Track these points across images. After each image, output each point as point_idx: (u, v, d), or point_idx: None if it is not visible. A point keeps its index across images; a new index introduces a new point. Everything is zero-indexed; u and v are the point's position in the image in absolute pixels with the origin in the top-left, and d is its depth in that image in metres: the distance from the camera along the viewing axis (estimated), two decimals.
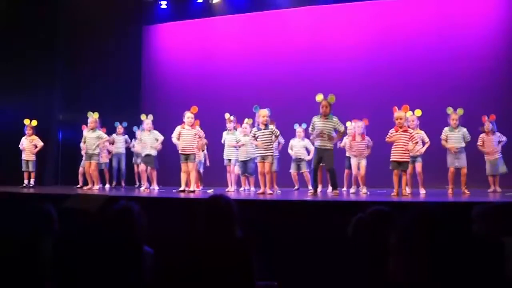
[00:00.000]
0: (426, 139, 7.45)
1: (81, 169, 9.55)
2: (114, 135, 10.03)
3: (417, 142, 6.87)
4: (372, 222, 2.79)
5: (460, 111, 7.32)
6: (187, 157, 7.73)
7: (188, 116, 7.74)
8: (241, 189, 8.60)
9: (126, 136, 10.08)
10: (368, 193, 7.38)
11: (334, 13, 11.03)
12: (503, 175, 7.92)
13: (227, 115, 8.78)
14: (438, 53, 9.99)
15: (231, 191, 8.40)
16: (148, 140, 8.78)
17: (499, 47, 9.62)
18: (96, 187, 8.73)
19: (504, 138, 7.97)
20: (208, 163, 9.29)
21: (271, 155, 7.29)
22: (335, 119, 6.81)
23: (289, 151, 8.77)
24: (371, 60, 10.41)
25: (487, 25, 9.85)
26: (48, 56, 10.88)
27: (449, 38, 9.99)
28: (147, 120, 8.87)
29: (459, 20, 10.03)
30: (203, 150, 8.95)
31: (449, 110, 7.37)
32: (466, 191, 7.05)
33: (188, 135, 7.75)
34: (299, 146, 8.71)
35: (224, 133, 8.80)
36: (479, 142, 7.88)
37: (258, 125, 7.30)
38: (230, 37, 11.75)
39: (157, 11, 12.26)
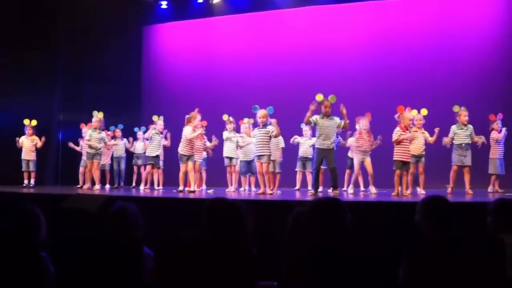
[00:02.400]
0: (430, 138, 7.37)
1: (81, 169, 9.51)
2: (113, 140, 9.94)
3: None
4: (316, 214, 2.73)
5: (465, 109, 7.31)
6: (188, 157, 7.75)
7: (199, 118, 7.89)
8: (241, 189, 8.58)
9: (125, 140, 10.03)
10: (377, 192, 7.36)
11: (335, 13, 11.00)
12: (503, 176, 7.89)
13: (225, 117, 8.75)
14: (441, 52, 9.95)
15: (231, 191, 8.38)
16: (159, 141, 8.74)
17: (504, 46, 9.56)
18: (97, 187, 8.70)
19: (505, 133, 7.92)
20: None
21: (267, 155, 7.22)
22: (336, 118, 6.80)
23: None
24: (373, 60, 10.38)
25: (491, 24, 9.81)
26: (48, 56, 10.86)
27: (452, 37, 9.94)
28: (159, 121, 8.80)
29: (463, 19, 10.00)
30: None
31: (456, 108, 7.33)
32: (470, 191, 7.02)
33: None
34: (306, 145, 8.69)
35: (225, 132, 8.76)
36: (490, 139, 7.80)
37: (259, 124, 7.30)
38: (230, 37, 11.74)
39: (157, 11, 12.24)
